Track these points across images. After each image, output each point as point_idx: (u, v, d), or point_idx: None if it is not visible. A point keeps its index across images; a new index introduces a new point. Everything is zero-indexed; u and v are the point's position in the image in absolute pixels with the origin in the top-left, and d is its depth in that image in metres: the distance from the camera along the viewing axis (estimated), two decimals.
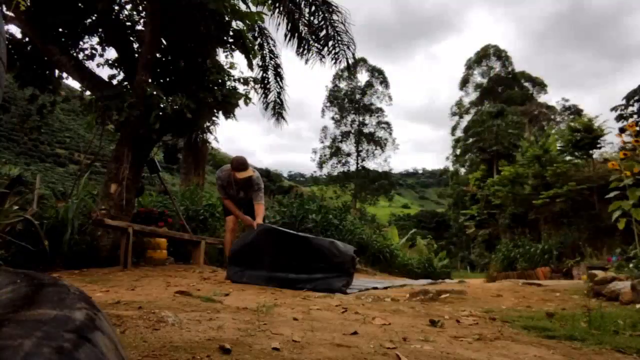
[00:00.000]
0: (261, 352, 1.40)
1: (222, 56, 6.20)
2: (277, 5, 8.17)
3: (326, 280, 3.69)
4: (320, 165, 39.14)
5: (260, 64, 9.82)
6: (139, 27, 6.17)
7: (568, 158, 16.86)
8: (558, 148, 17.23)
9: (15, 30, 5.78)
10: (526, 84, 44.31)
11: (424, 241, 17.72)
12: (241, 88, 5.95)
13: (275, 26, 8.52)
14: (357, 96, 38.91)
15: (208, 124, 6.33)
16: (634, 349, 1.83)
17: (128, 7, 6.14)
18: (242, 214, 4.67)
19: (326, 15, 8.36)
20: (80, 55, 6.01)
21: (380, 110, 39.11)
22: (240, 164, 4.42)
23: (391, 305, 3.03)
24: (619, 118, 27.16)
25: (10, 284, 0.52)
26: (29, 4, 5.01)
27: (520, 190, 18.04)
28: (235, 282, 3.81)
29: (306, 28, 8.49)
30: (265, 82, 10.19)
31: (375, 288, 4.46)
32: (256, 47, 6.91)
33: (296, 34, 8.48)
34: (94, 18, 5.81)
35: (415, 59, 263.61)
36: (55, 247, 4.43)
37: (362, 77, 39.50)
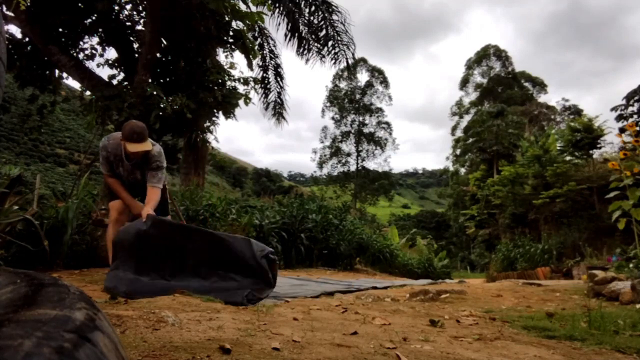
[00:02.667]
0: (261, 352, 1.40)
1: (222, 56, 6.23)
2: (277, 5, 8.17)
3: (236, 291, 2.86)
4: (320, 165, 39.21)
5: (260, 64, 9.82)
6: (139, 27, 6.19)
7: (568, 158, 16.87)
8: (558, 148, 17.24)
9: (15, 30, 5.80)
10: (526, 84, 44.34)
11: (424, 241, 17.72)
12: (241, 88, 5.98)
13: (275, 26, 8.53)
14: (357, 96, 38.94)
15: (208, 123, 6.34)
16: (634, 349, 1.83)
17: (128, 7, 6.16)
18: (131, 199, 3.45)
19: (326, 15, 8.36)
20: (80, 55, 6.03)
21: (380, 110, 39.17)
22: (134, 132, 3.13)
23: (391, 305, 3.03)
24: (619, 118, 27.13)
25: (10, 284, 0.52)
26: (29, 4, 5.00)
27: (520, 190, 18.05)
28: (117, 295, 2.53)
29: (306, 28, 8.50)
30: (266, 82, 10.19)
31: (375, 288, 4.46)
32: (256, 47, 6.92)
33: (296, 34, 8.49)
34: (94, 18, 5.82)
35: (415, 59, 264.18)
36: (55, 247, 4.43)
37: (362, 77, 39.62)
